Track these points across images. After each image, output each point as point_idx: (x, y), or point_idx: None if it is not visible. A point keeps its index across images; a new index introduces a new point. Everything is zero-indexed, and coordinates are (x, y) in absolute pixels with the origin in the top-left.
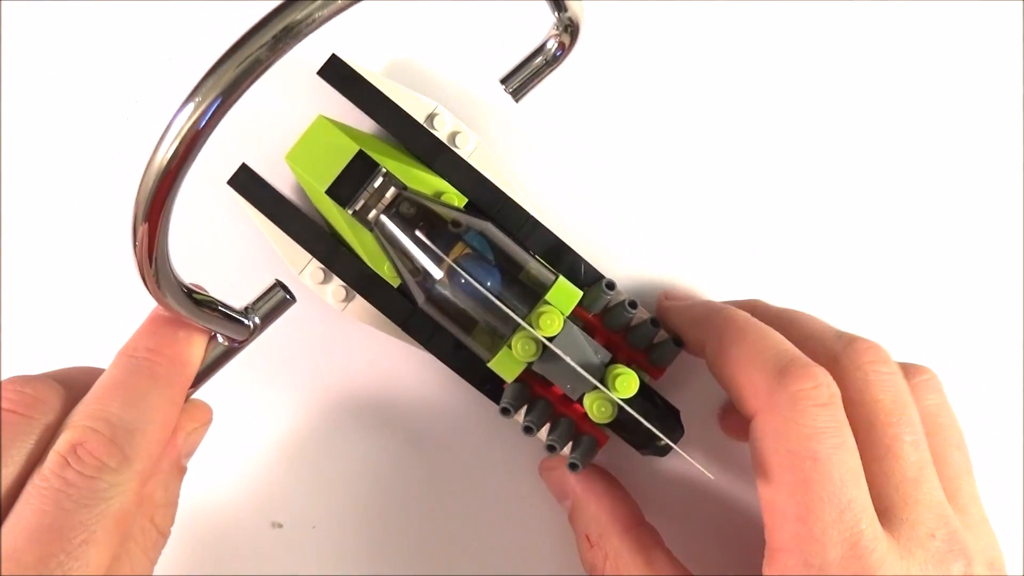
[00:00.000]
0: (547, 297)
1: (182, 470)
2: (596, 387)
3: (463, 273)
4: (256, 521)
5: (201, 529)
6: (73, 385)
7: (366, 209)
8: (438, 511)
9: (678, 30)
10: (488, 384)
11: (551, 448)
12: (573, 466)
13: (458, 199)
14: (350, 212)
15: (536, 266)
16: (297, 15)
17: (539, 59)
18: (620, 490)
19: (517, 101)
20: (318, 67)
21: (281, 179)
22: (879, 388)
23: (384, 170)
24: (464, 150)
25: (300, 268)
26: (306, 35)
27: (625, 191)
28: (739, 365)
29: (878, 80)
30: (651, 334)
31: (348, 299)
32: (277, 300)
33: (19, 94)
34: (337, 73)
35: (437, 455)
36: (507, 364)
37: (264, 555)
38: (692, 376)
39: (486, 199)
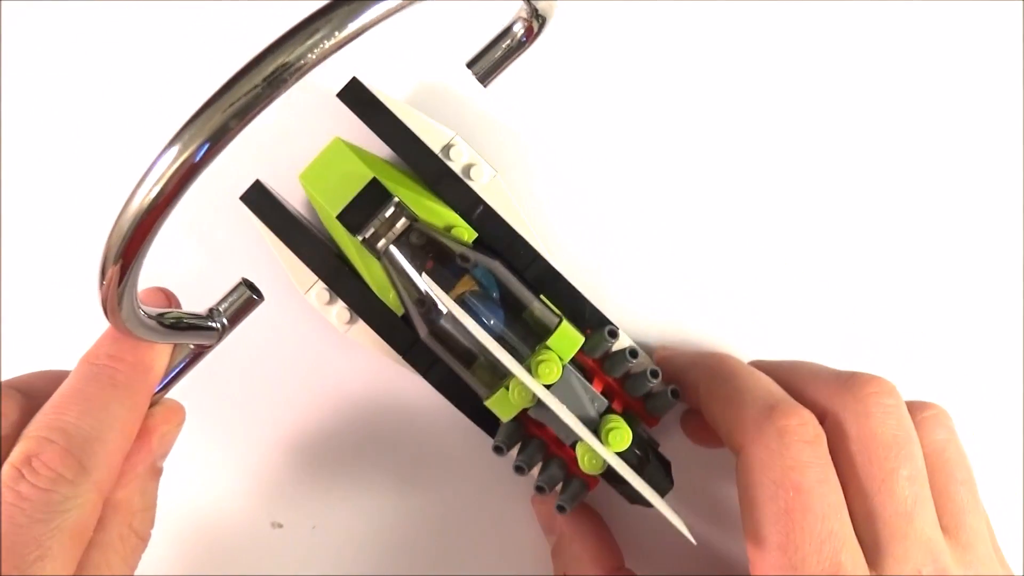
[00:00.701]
0: (548, 342)
1: (158, 472)
2: (590, 440)
3: (467, 312)
4: (256, 521)
5: (201, 529)
6: (33, 393)
7: (375, 238)
8: (436, 513)
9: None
10: (484, 417)
11: (540, 489)
12: (560, 508)
13: (468, 233)
14: (359, 240)
15: (540, 307)
16: (288, 57)
17: (506, 43)
18: (607, 534)
19: (485, 86)
20: (338, 88)
21: (294, 195)
22: (878, 421)
23: (396, 200)
24: (478, 183)
25: (306, 288)
26: (299, 78)
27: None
28: (729, 401)
29: (878, 81)
30: (650, 384)
31: (352, 322)
32: (244, 300)
33: (18, 95)
34: (356, 96)
35: (435, 469)
36: (503, 405)
37: (264, 555)
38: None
39: (495, 235)
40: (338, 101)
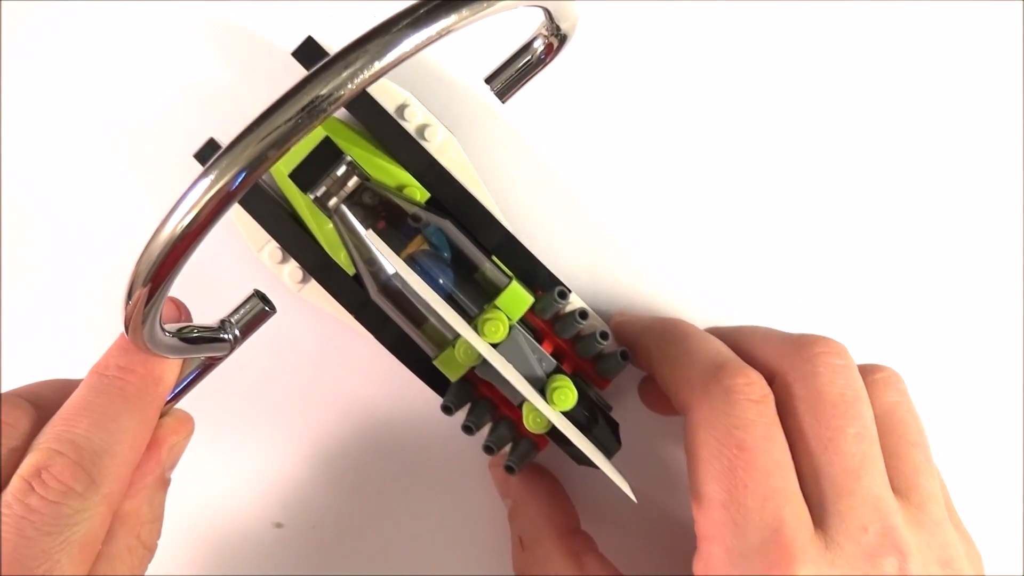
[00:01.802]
0: (497, 301)
1: (166, 483)
2: (533, 399)
3: (415, 271)
4: (256, 521)
5: (202, 529)
6: (43, 404)
7: (327, 196)
8: (436, 512)
9: (667, 33)
10: (436, 379)
11: (488, 449)
12: (509, 469)
13: (420, 193)
14: (311, 198)
15: (491, 268)
16: (323, 89)
17: (525, 59)
18: (561, 495)
19: (504, 102)
20: (294, 47)
21: None
22: (826, 380)
23: (348, 159)
24: (432, 144)
25: (259, 247)
26: (336, 108)
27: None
28: (678, 362)
29: (874, 80)
30: (600, 345)
31: (304, 281)
32: (256, 312)
33: (19, 95)
34: (311, 55)
35: (434, 469)
36: (451, 364)
37: (264, 555)
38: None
39: (448, 196)
40: (293, 60)
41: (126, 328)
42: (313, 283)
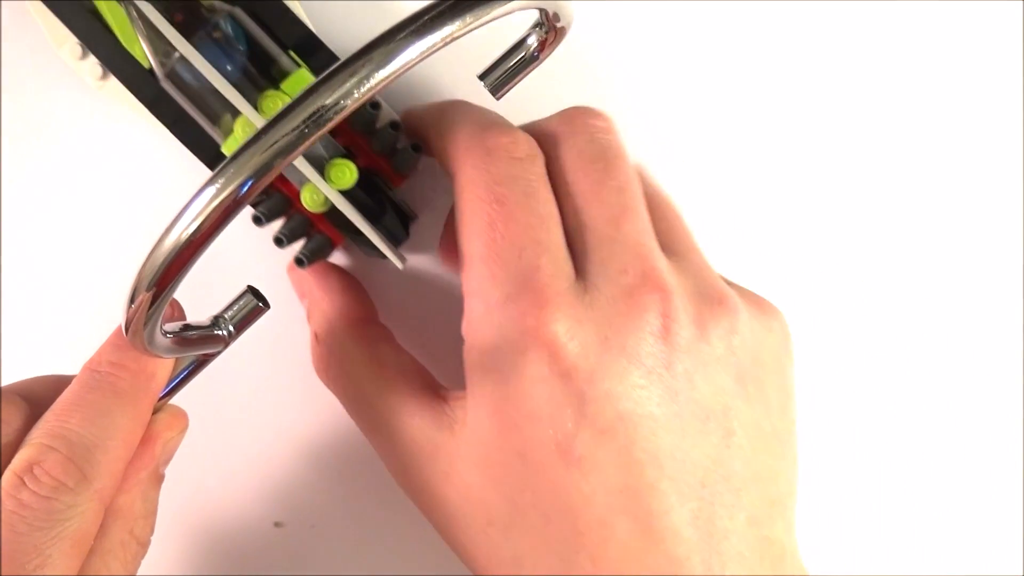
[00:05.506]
0: (282, 85)
1: (160, 478)
2: (309, 174)
3: (202, 55)
4: (256, 520)
5: (202, 528)
6: (36, 400)
7: None
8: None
9: None
10: None
11: (278, 241)
12: (299, 261)
13: None
14: None
15: (287, 60)
16: (326, 99)
17: (520, 55)
18: (356, 288)
19: (498, 98)
20: None
21: None
22: (586, 139)
23: None
24: None
25: (61, 43)
26: (342, 117)
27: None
28: (451, 132)
29: (871, 78)
30: (393, 139)
31: (104, 78)
32: (250, 308)
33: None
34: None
35: None
36: (234, 147)
37: (264, 555)
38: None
39: None
40: None
41: (126, 330)
42: (113, 80)
